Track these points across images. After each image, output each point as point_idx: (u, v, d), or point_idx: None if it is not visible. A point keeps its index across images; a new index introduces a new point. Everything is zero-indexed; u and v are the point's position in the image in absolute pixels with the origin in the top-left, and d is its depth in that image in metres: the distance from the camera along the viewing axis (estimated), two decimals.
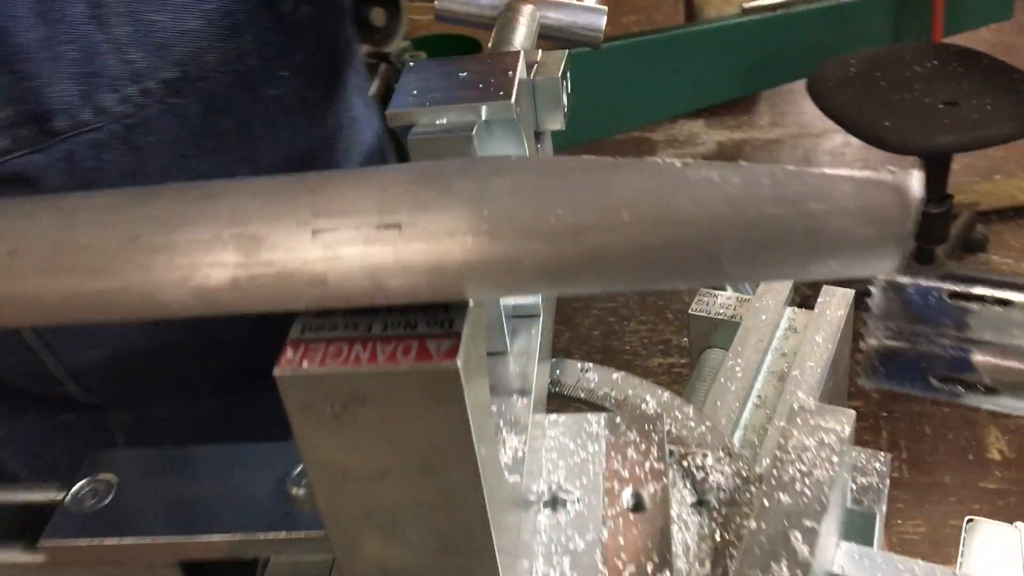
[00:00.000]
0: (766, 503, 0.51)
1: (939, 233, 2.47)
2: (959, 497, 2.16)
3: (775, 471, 0.53)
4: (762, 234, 0.33)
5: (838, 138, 3.31)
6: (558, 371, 0.67)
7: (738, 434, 0.67)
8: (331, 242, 0.36)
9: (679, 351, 2.58)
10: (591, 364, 0.67)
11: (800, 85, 2.70)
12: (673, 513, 0.54)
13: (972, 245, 2.77)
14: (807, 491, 0.52)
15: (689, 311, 0.81)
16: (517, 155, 0.34)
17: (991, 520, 0.79)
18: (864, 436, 2.28)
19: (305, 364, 0.36)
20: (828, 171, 0.32)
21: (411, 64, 0.55)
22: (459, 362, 0.35)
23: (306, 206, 0.36)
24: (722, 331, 0.78)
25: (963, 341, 0.39)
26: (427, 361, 0.35)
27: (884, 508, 0.59)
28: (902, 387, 0.43)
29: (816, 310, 0.75)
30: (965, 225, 2.73)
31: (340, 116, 0.80)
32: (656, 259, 0.34)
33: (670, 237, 0.33)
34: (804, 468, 0.53)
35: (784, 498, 0.52)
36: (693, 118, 3.52)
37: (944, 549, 1.99)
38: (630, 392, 0.64)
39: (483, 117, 0.51)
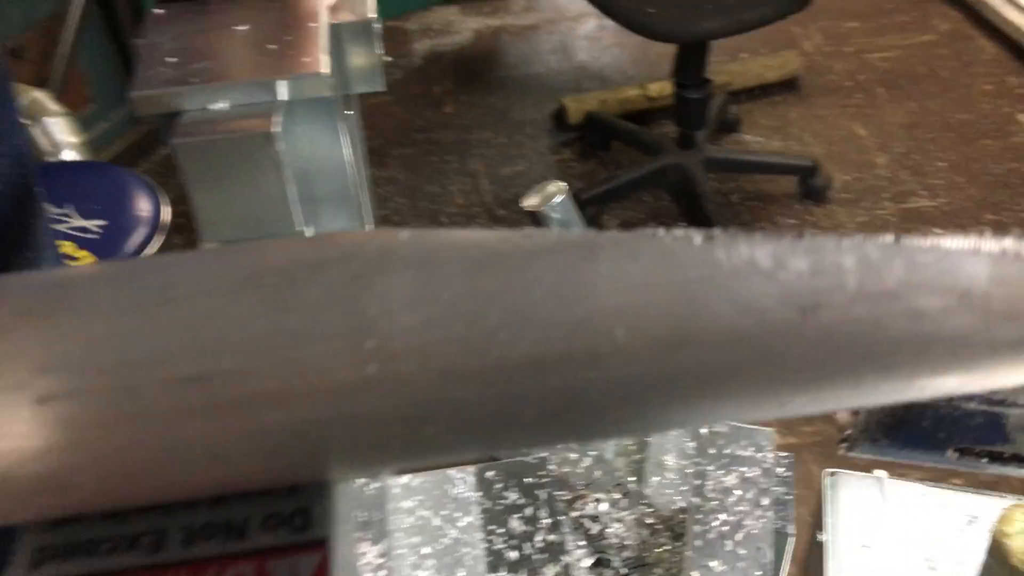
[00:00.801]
0: None
1: (699, 118, 2.48)
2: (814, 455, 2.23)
3: (696, 526, 0.42)
4: (844, 349, 0.20)
5: (592, 22, 3.25)
6: None
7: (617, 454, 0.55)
8: (68, 417, 0.19)
9: None
10: None
11: None
12: None
13: (727, 126, 2.83)
14: (741, 551, 0.42)
15: None
16: (417, 233, 0.20)
17: (851, 471, 0.74)
18: None
19: None
20: (944, 244, 0.20)
21: (158, 10, 0.36)
22: None
23: (20, 352, 0.19)
24: None
25: (995, 403, 0.29)
26: None
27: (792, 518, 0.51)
28: (910, 458, 0.33)
29: None
30: (720, 107, 2.78)
31: None
32: (672, 400, 0.20)
33: (697, 364, 0.19)
34: (730, 517, 0.42)
35: (716, 567, 0.41)
36: (447, 5, 3.33)
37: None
38: None
39: (284, 97, 0.34)
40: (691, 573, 0.40)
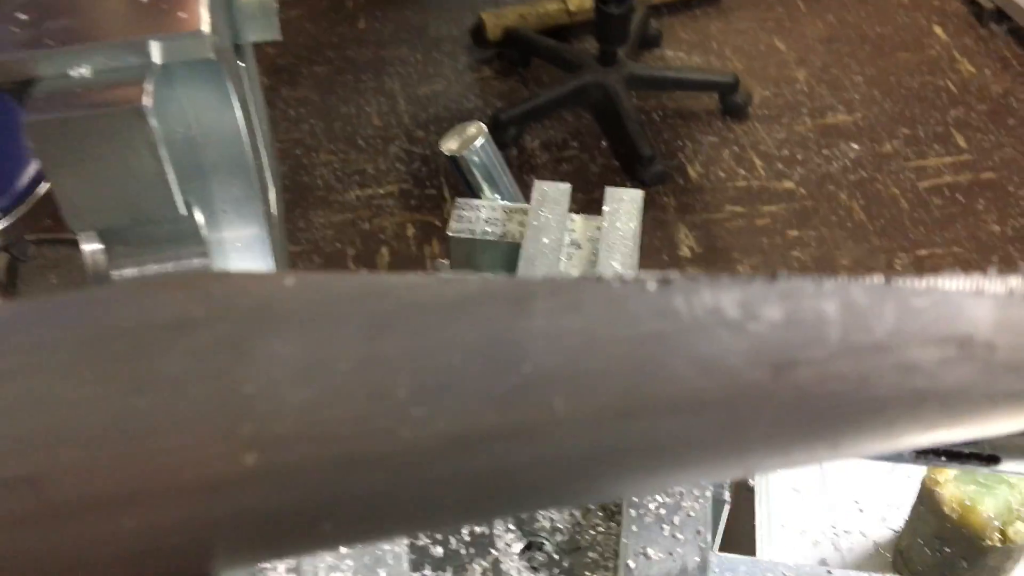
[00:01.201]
0: (631, 566, 0.38)
1: (620, 34, 2.43)
2: None
3: (632, 509, 0.40)
4: (823, 411, 0.17)
5: None
6: None
7: None
8: None
9: (376, 181, 2.40)
10: None
11: None
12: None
13: (648, 41, 2.78)
14: (679, 535, 0.39)
15: (448, 231, 0.64)
16: (306, 280, 0.16)
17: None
18: None
19: None
20: (942, 284, 0.16)
21: None
22: None
23: None
24: (490, 253, 0.62)
25: None
26: None
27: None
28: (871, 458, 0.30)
29: (605, 223, 0.61)
30: (641, 22, 2.72)
31: None
32: (623, 474, 0.17)
33: (652, 435, 0.16)
34: (668, 499, 0.40)
35: (654, 554, 0.39)
36: None
37: None
38: None
39: (158, 60, 0.29)
40: (627, 561, 0.38)
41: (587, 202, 2.50)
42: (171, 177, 0.32)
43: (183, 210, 0.34)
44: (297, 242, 2.25)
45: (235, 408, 0.15)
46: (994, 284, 0.16)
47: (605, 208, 0.62)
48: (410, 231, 2.30)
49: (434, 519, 0.17)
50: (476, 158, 0.67)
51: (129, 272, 0.36)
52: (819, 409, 0.16)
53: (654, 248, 2.37)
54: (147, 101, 0.28)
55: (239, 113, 0.37)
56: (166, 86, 0.32)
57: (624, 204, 0.61)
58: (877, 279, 0.16)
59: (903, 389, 0.16)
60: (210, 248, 0.37)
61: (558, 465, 0.16)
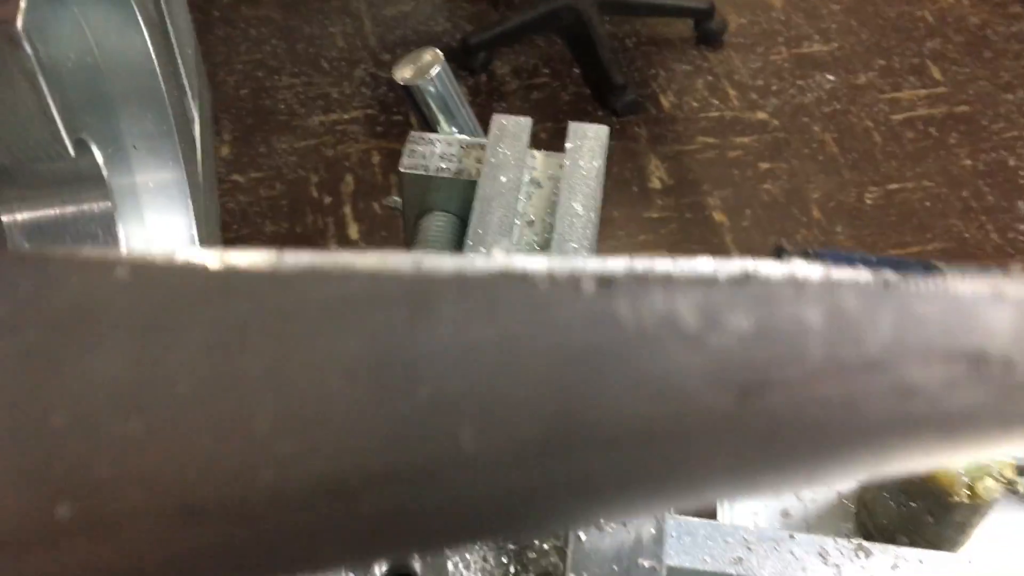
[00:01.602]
0: (582, 538, 0.35)
1: None
2: (627, 231, 2.23)
3: None
4: (799, 441, 0.13)
5: None
6: None
7: None
8: None
9: (340, 106, 2.33)
10: None
11: None
12: None
13: None
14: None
15: (400, 167, 0.59)
16: (143, 272, 0.12)
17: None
18: None
19: None
20: (952, 286, 0.13)
21: None
22: None
23: None
24: (445, 191, 0.58)
25: None
26: None
27: None
28: None
29: (567, 161, 0.57)
30: None
31: None
32: (549, 513, 0.13)
33: (585, 472, 0.13)
34: None
35: (606, 525, 0.36)
36: None
37: None
38: None
39: None
40: (578, 534, 0.35)
41: (556, 131, 2.46)
42: (54, 111, 0.28)
43: (71, 150, 0.30)
44: (259, 168, 2.18)
45: (42, 445, 0.12)
46: (1015, 286, 0.13)
47: (568, 145, 0.58)
48: (375, 158, 2.24)
49: (308, 569, 0.13)
50: (432, 88, 0.62)
51: (22, 217, 0.32)
52: (794, 439, 0.13)
53: (624, 180, 2.33)
54: (19, 23, 0.23)
55: (148, 36, 0.32)
56: (57, 3, 0.28)
57: (588, 141, 0.57)
58: (874, 279, 0.13)
59: (898, 415, 0.13)
60: (113, 192, 0.33)
61: (466, 510, 0.13)
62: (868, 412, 0.13)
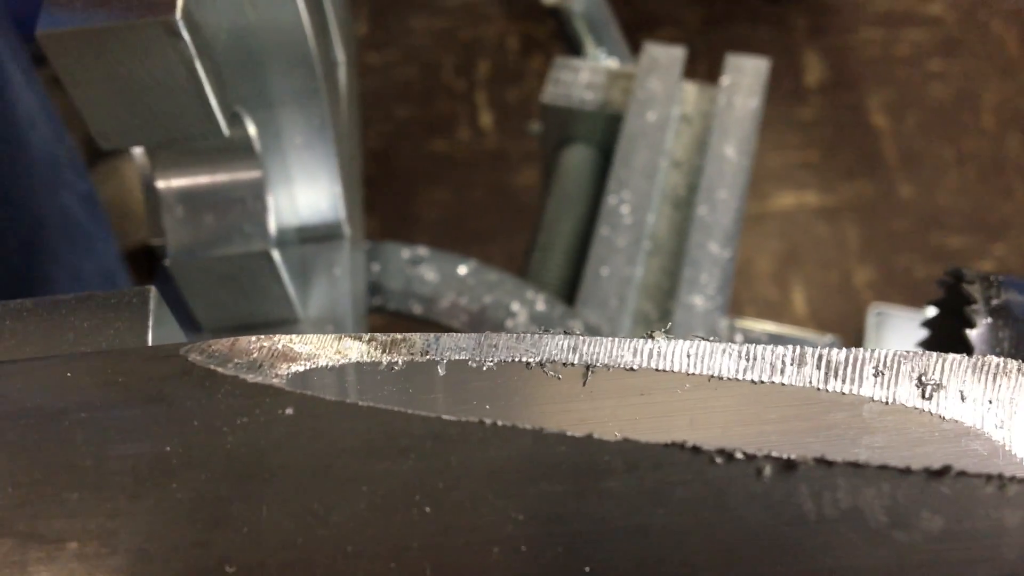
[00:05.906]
0: None
1: None
2: (775, 133, 2.13)
3: None
4: None
5: None
6: (377, 265, 0.44)
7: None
8: None
9: None
10: (424, 249, 0.44)
11: None
12: None
13: None
14: None
15: (541, 99, 0.57)
16: None
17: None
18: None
19: None
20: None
21: None
22: None
23: None
24: (586, 123, 0.56)
25: None
26: None
27: None
28: None
29: (722, 100, 0.53)
30: None
31: None
32: None
33: None
34: None
35: None
36: None
37: (761, 185, 1.98)
38: (487, 299, 0.43)
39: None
40: None
41: (709, 17, 2.29)
42: (211, 95, 0.27)
43: (226, 131, 0.29)
44: (395, 46, 2.17)
45: None
46: None
47: (723, 80, 0.54)
48: (511, 43, 2.19)
49: None
50: (578, 7, 0.59)
51: (176, 184, 0.32)
52: None
53: (776, 74, 2.20)
54: (178, 14, 0.22)
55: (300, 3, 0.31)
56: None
57: (746, 77, 0.53)
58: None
59: None
60: (262, 159, 0.33)
61: None
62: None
